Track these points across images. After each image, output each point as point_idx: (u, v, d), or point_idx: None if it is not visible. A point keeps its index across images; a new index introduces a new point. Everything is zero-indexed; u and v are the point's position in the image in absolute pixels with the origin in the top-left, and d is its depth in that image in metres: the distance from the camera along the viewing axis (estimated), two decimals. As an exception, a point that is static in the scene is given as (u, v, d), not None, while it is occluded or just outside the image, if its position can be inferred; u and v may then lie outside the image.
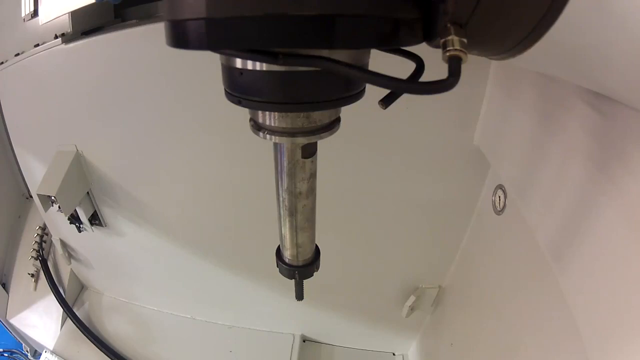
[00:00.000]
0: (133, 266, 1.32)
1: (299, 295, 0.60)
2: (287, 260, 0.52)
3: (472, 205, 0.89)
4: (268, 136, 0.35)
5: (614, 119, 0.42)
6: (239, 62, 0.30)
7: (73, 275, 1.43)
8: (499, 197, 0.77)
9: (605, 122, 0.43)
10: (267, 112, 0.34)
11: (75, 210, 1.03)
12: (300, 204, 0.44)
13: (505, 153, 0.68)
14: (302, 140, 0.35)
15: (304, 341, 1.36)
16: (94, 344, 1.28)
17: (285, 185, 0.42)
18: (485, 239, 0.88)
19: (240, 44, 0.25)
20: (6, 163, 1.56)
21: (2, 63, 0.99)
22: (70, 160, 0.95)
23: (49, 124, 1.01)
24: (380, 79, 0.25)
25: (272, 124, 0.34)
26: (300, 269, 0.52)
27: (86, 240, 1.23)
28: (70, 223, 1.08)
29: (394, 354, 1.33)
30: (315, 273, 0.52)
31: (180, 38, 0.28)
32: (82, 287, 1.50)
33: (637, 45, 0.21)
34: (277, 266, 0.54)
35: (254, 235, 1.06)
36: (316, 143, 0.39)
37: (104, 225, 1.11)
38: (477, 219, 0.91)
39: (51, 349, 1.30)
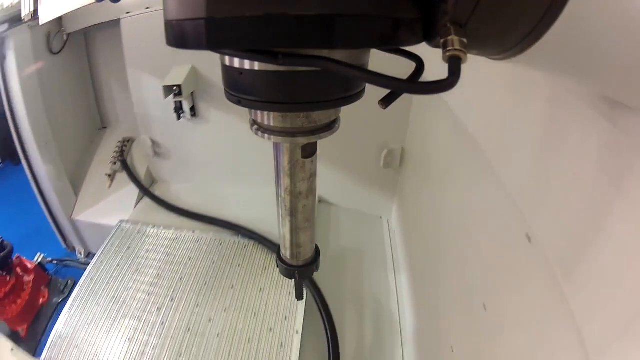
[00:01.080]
0: (209, 151, 1.69)
1: (299, 295, 0.61)
2: (287, 260, 0.53)
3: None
4: (268, 136, 0.36)
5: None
6: (238, 62, 0.30)
7: (148, 173, 1.80)
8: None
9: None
10: (267, 112, 0.34)
11: (181, 102, 1.63)
12: (300, 204, 0.44)
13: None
14: (302, 140, 0.36)
15: (319, 201, 1.68)
16: (169, 210, 1.60)
17: (285, 185, 0.42)
18: (419, 106, 1.29)
19: (240, 44, 0.25)
20: (87, 99, 1.95)
21: (128, 13, 1.42)
22: (189, 69, 1.57)
23: (168, 55, 1.43)
24: (380, 79, 0.26)
25: (272, 124, 0.35)
26: (300, 269, 0.53)
27: (173, 134, 1.67)
28: (175, 112, 1.65)
29: (381, 217, 1.64)
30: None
31: (179, 38, 0.28)
32: (153, 182, 1.83)
33: (638, 46, 0.21)
34: (277, 266, 0.54)
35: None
36: (316, 143, 0.40)
37: (197, 116, 1.65)
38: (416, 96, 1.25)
39: (127, 219, 1.54)
